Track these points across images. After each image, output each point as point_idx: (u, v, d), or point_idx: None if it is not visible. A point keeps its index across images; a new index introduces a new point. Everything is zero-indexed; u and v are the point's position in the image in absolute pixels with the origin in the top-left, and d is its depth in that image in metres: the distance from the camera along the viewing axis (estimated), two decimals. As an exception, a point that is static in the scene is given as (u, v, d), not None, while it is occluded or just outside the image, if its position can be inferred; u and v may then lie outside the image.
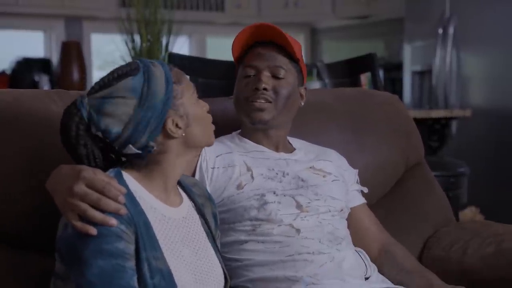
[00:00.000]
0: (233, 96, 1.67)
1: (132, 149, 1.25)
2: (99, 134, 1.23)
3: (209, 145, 1.40)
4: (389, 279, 1.63)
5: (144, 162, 1.29)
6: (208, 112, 1.37)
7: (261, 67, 1.61)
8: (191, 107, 1.31)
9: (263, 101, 1.59)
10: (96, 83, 1.27)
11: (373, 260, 1.66)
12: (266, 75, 1.60)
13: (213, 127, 1.38)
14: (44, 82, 5.51)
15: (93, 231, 1.14)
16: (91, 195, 1.16)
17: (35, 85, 5.41)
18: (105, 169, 1.28)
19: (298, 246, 1.50)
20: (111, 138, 1.24)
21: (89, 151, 1.25)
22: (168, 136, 1.27)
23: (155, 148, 1.26)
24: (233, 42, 1.64)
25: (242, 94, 1.62)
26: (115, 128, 1.23)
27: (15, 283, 1.42)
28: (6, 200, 1.46)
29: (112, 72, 1.27)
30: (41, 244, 1.45)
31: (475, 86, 4.40)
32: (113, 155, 1.28)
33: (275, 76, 1.61)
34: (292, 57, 1.63)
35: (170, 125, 1.27)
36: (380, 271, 1.65)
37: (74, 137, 1.24)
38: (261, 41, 1.64)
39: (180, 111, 1.28)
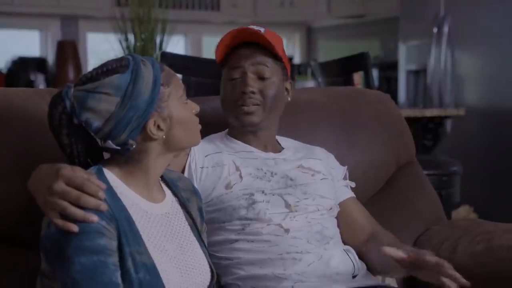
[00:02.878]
0: (220, 98, 1.67)
1: (111, 144, 1.26)
2: (83, 124, 1.25)
3: (193, 146, 1.40)
4: (375, 266, 1.61)
5: (124, 158, 1.29)
6: (197, 114, 1.36)
7: (245, 66, 1.60)
8: (177, 110, 1.30)
9: (251, 104, 1.59)
10: (84, 75, 1.28)
11: (361, 248, 1.64)
12: (251, 77, 1.60)
13: (199, 128, 1.37)
14: (40, 81, 5.51)
15: (74, 228, 1.15)
16: (71, 193, 1.17)
17: (30, 84, 5.41)
18: (88, 164, 1.29)
19: (287, 245, 1.52)
20: (92, 130, 1.25)
21: (72, 140, 1.27)
22: (148, 137, 1.28)
23: (134, 146, 1.27)
24: (216, 48, 1.63)
25: (229, 97, 1.62)
26: (96, 122, 1.24)
27: (4, 280, 1.43)
28: (-3, 198, 1.46)
29: (101, 66, 1.27)
30: (31, 242, 1.45)
31: (469, 85, 4.41)
32: (96, 148, 1.29)
33: (260, 78, 1.61)
34: (276, 56, 1.63)
35: (151, 126, 1.27)
36: (366, 258, 1.63)
37: (57, 126, 1.26)
38: (243, 44, 1.63)
39: (164, 114, 1.28)
